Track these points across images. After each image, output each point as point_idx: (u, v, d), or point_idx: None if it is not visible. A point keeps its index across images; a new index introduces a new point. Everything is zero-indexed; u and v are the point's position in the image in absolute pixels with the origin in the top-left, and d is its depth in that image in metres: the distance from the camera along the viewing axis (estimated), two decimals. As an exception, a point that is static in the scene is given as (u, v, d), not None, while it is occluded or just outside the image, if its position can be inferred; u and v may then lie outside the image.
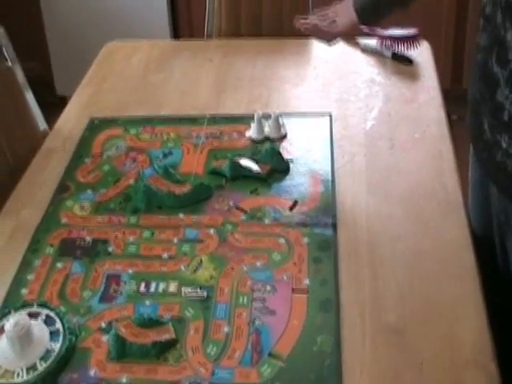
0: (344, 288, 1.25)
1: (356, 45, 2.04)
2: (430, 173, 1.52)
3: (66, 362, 1.14)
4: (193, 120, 1.72)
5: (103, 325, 1.20)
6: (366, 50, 2.02)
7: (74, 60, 3.40)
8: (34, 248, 1.38)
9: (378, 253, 1.33)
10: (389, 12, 1.73)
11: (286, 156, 1.56)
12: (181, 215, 1.43)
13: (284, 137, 1.64)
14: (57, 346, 1.16)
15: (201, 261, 1.32)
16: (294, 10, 2.35)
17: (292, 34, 2.28)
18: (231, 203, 1.45)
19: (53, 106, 2.03)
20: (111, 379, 1.11)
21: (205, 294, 1.25)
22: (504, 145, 1.13)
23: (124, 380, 1.11)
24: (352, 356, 1.13)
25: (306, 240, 1.35)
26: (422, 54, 1.96)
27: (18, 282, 1.30)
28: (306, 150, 1.59)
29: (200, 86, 1.91)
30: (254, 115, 1.64)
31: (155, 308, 1.22)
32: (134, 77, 1.99)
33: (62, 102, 3.31)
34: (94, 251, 1.36)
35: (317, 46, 2.12)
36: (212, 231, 1.38)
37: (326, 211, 1.41)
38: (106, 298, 1.25)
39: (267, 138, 1.63)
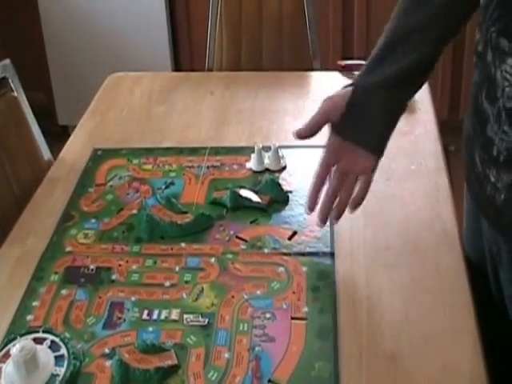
0: (342, 316, 1.28)
1: (353, 78, 2.08)
2: (425, 204, 1.56)
3: (71, 387, 1.17)
4: (194, 151, 1.76)
5: (107, 351, 1.23)
6: (363, 83, 2.05)
7: (75, 90, 3.45)
8: (38, 275, 1.41)
9: (375, 282, 1.36)
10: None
11: (285, 187, 1.60)
12: (182, 244, 1.46)
13: (283, 168, 1.68)
14: (62, 371, 1.18)
15: (202, 289, 1.35)
16: (294, 43, 2.41)
17: (291, 67, 2.34)
18: (232, 233, 1.49)
19: (55, 135, 2.07)
20: (115, 404, 1.14)
21: (206, 321, 1.27)
22: (493, 179, 1.15)
23: (127, 405, 1.14)
24: (349, 382, 1.16)
25: (304, 269, 1.38)
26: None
27: (24, 308, 1.33)
28: (305, 182, 1.62)
29: (201, 118, 1.95)
30: (254, 147, 1.69)
31: (158, 334, 1.25)
32: (136, 108, 2.03)
33: (64, 132, 3.36)
34: (97, 279, 1.39)
35: (316, 79, 2.17)
36: (213, 260, 1.41)
37: (324, 241, 1.45)
38: (109, 324, 1.28)
39: (267, 170, 1.67)
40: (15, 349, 1.17)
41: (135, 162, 1.74)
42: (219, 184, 1.63)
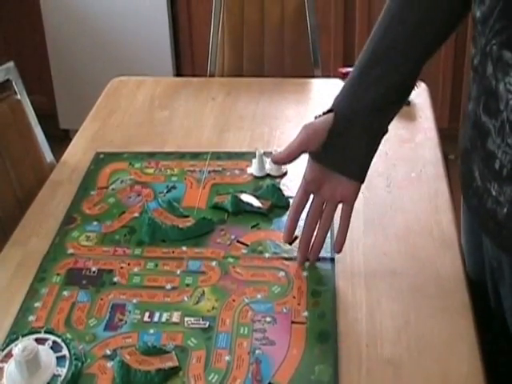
0: (341, 320, 1.29)
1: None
2: (425, 211, 1.57)
3: (73, 388, 1.18)
4: (196, 156, 1.77)
5: (108, 352, 1.24)
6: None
7: (77, 94, 3.47)
8: (41, 277, 1.42)
9: (375, 287, 1.37)
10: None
11: (286, 192, 1.61)
12: (184, 248, 1.47)
13: (285, 174, 1.69)
14: (63, 371, 1.19)
15: (203, 292, 1.36)
16: (296, 50, 2.42)
17: (293, 72, 2.35)
18: (233, 237, 1.50)
19: (56, 139, 2.08)
20: (116, 405, 1.15)
21: (207, 324, 1.28)
22: (494, 193, 1.15)
23: (128, 406, 1.15)
24: (349, 386, 1.18)
25: (305, 273, 1.39)
26: (419, 95, 2.01)
27: (26, 309, 1.34)
28: (306, 187, 1.64)
29: (203, 124, 1.96)
30: (255, 152, 1.70)
31: (159, 337, 1.26)
32: (138, 113, 2.04)
33: (66, 136, 3.38)
34: (99, 281, 1.40)
35: (317, 86, 2.19)
36: (214, 264, 1.42)
37: (325, 246, 1.45)
38: (110, 326, 1.29)
39: (268, 175, 1.68)
40: (17, 349, 1.17)
41: (137, 165, 1.75)
42: (220, 189, 1.64)
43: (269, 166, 1.69)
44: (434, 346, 1.25)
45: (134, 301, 1.34)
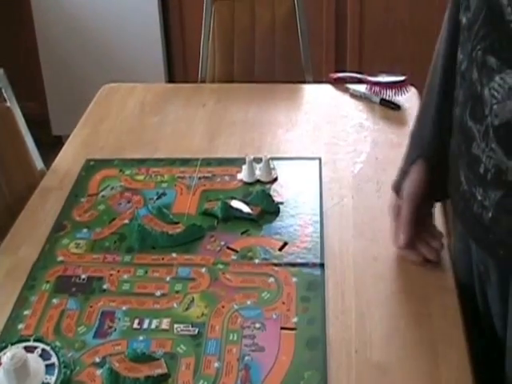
0: (331, 326, 1.29)
1: (345, 90, 2.11)
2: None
3: (62, 395, 1.18)
4: (186, 162, 1.77)
5: (97, 359, 1.24)
6: (355, 95, 2.08)
7: (69, 101, 3.46)
8: (30, 284, 1.42)
9: (364, 292, 1.37)
10: None
11: (276, 198, 1.61)
12: (174, 254, 1.47)
13: (275, 180, 1.69)
14: (52, 379, 1.19)
15: (193, 299, 1.36)
16: (287, 56, 2.43)
17: (284, 78, 2.36)
18: (223, 243, 1.50)
19: (48, 145, 2.08)
20: (105, 412, 1.15)
21: (196, 330, 1.28)
22: (479, 197, 1.16)
23: (117, 413, 1.15)
24: (338, 392, 1.18)
25: (294, 279, 1.39)
26: (409, 99, 2.02)
27: (15, 317, 1.34)
28: (296, 193, 1.65)
29: (194, 130, 1.96)
30: (245, 158, 1.70)
31: (148, 344, 1.26)
32: (129, 119, 2.04)
33: (58, 142, 3.37)
34: (89, 288, 1.40)
35: (308, 92, 2.19)
36: (204, 270, 1.42)
37: (314, 252, 1.46)
38: (100, 333, 1.29)
39: (258, 181, 1.69)
40: (6, 357, 1.18)
41: (127, 172, 1.75)
42: (211, 195, 1.64)
43: (259, 172, 1.69)
44: (423, 351, 1.25)
45: (124, 308, 1.34)
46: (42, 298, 1.38)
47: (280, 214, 1.58)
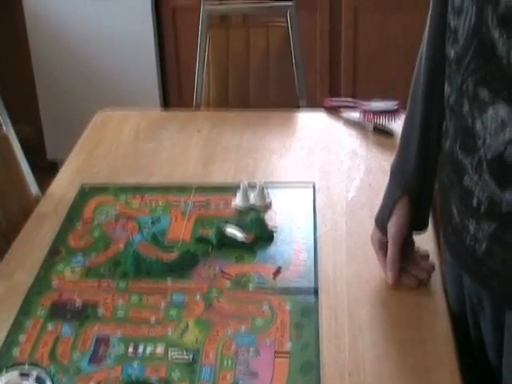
0: (325, 351, 1.30)
1: (339, 117, 2.13)
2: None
3: (56, 422, 1.18)
4: (181, 189, 1.78)
5: (92, 387, 1.25)
6: (348, 122, 2.10)
7: (65, 125, 3.48)
8: (25, 310, 1.42)
9: (357, 316, 1.38)
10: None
11: (270, 224, 1.62)
12: (168, 281, 1.48)
13: (269, 205, 1.70)
14: (47, 406, 1.20)
15: (187, 325, 1.36)
16: (281, 82, 2.45)
17: (278, 104, 2.38)
18: (217, 270, 1.51)
19: (43, 169, 2.08)
20: None
21: (191, 356, 1.29)
22: (472, 230, 1.16)
23: None
24: (331, 418, 1.18)
25: (288, 305, 1.40)
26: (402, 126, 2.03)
27: (10, 342, 1.34)
28: (290, 219, 1.66)
29: (188, 156, 1.98)
30: (239, 184, 1.71)
31: (143, 369, 1.27)
32: (124, 145, 2.06)
33: (53, 166, 3.37)
34: (83, 314, 1.40)
35: (301, 118, 2.21)
36: (198, 297, 1.43)
37: (308, 277, 1.47)
38: (95, 359, 1.30)
39: (252, 207, 1.70)
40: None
41: (122, 198, 1.76)
42: (205, 222, 1.65)
43: (253, 198, 1.71)
44: (415, 374, 1.26)
45: (119, 334, 1.35)
46: (37, 323, 1.38)
47: (274, 240, 1.59)
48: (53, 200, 1.81)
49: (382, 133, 2.02)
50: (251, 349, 1.30)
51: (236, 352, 1.30)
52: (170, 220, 1.67)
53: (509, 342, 1.20)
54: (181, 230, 1.63)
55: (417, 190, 1.39)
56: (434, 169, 1.36)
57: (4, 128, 1.89)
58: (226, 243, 1.57)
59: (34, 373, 1.26)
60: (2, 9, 3.47)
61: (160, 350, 1.31)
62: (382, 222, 1.43)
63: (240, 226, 1.62)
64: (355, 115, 2.11)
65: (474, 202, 1.14)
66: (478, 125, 1.10)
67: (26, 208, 1.82)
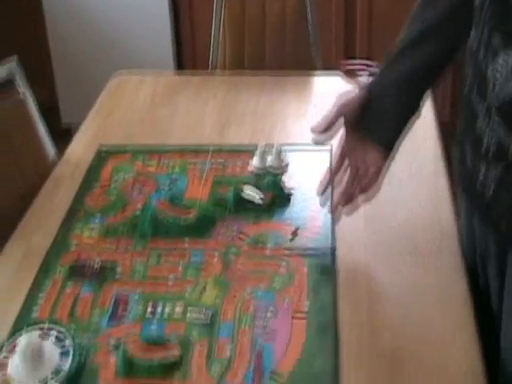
0: (342, 313, 1.30)
1: (355, 81, 2.11)
2: (425, 206, 1.58)
3: (76, 379, 1.19)
4: (198, 149, 1.79)
5: (111, 343, 1.25)
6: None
7: (79, 89, 3.47)
8: (44, 270, 1.43)
9: (375, 280, 1.39)
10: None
11: (287, 186, 1.62)
12: (186, 240, 1.48)
13: (285, 168, 1.70)
14: (67, 364, 1.20)
15: (205, 284, 1.37)
16: (297, 44, 2.43)
17: (294, 65, 2.36)
18: (235, 230, 1.51)
19: (58, 134, 2.08)
20: (120, 395, 1.17)
21: (209, 315, 1.30)
22: (482, 174, 1.19)
23: (132, 396, 1.16)
24: (349, 377, 1.18)
25: (306, 266, 1.40)
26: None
27: (30, 302, 1.35)
28: (307, 181, 1.65)
29: (204, 120, 1.97)
30: (256, 146, 1.71)
31: (162, 328, 1.28)
32: (140, 109, 2.05)
33: (67, 130, 3.38)
34: (102, 274, 1.41)
35: (317, 83, 2.20)
36: (216, 256, 1.44)
37: (325, 239, 1.47)
38: (114, 318, 1.31)
39: (269, 169, 1.70)
40: (21, 342, 1.19)
41: (140, 159, 1.76)
42: (222, 182, 1.65)
43: (270, 160, 1.70)
44: (434, 336, 1.26)
45: (137, 293, 1.36)
46: (57, 283, 1.39)
47: (291, 202, 1.59)
48: (69, 163, 1.81)
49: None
50: (269, 308, 1.31)
51: (254, 311, 1.31)
52: (188, 180, 1.67)
53: (510, 285, 1.23)
54: (198, 191, 1.63)
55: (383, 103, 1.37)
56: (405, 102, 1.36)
57: (21, 92, 1.89)
58: (243, 204, 1.57)
59: (54, 332, 1.27)
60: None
61: (179, 308, 1.32)
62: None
63: (257, 187, 1.62)
64: (371, 78, 2.09)
65: (484, 147, 1.17)
66: (489, 72, 1.13)
67: (43, 171, 1.82)
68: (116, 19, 3.43)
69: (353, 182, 1.42)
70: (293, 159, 1.72)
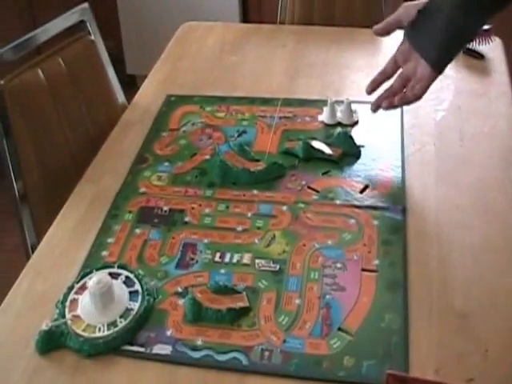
0: (412, 270, 1.29)
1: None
2: (497, 166, 1.55)
3: (144, 321, 1.20)
4: (267, 101, 1.77)
5: (179, 289, 1.26)
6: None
7: (144, 40, 3.48)
8: (113, 214, 1.44)
9: (446, 239, 1.36)
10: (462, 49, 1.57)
11: (357, 141, 1.60)
12: (255, 191, 1.48)
13: (356, 123, 1.68)
14: (136, 306, 1.21)
15: (274, 235, 1.36)
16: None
17: (363, 22, 2.32)
18: (304, 183, 1.50)
19: (122, 83, 2.08)
20: (187, 340, 1.17)
21: (277, 267, 1.29)
22: None
23: (199, 342, 1.16)
24: (418, 335, 1.17)
25: (376, 222, 1.39)
26: (493, 49, 1.97)
27: (99, 244, 1.36)
28: (377, 137, 1.63)
29: (273, 71, 1.95)
30: (326, 100, 1.69)
31: (230, 277, 1.28)
32: (208, 58, 2.04)
33: (132, 81, 3.39)
34: (171, 220, 1.41)
35: (388, 37, 2.15)
36: (285, 208, 1.43)
37: (396, 196, 1.45)
38: (182, 264, 1.31)
39: (339, 123, 1.67)
40: (92, 281, 1.20)
41: (208, 109, 1.75)
42: (291, 135, 1.64)
43: (340, 115, 1.68)
44: (503, 299, 1.24)
45: (205, 241, 1.36)
46: (125, 227, 1.40)
47: (361, 157, 1.57)
48: (138, 109, 1.81)
49: (473, 55, 1.96)
50: (338, 262, 1.30)
51: (323, 264, 1.30)
52: (256, 131, 1.66)
53: None
54: (267, 142, 1.62)
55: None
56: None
57: (92, 36, 1.89)
58: (312, 157, 1.56)
59: (123, 274, 1.28)
60: None
61: (247, 258, 1.31)
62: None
63: (327, 141, 1.60)
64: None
65: None
66: None
67: (112, 116, 1.83)
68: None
69: (400, 90, 1.45)
70: (363, 114, 1.70)
